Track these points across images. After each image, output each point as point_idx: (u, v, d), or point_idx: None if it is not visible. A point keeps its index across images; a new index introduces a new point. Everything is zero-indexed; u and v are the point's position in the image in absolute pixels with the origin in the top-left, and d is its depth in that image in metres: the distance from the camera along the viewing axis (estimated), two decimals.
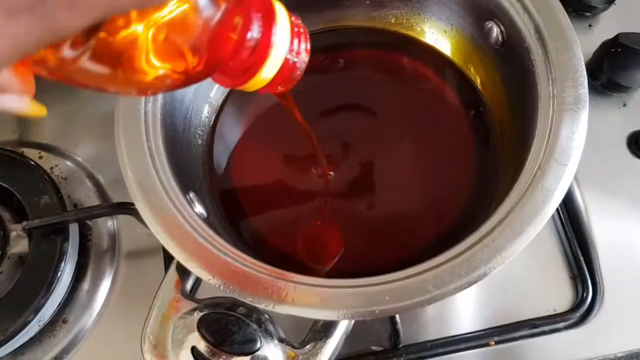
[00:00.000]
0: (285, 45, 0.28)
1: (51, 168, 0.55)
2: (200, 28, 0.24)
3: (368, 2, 0.50)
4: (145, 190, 0.36)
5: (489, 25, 0.43)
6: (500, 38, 0.43)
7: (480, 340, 0.47)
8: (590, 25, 0.57)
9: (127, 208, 0.47)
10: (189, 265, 0.34)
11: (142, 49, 0.23)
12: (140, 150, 0.38)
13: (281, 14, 0.28)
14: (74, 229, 0.50)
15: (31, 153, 0.55)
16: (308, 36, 0.30)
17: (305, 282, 0.33)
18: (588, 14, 0.56)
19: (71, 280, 0.50)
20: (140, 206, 0.36)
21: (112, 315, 0.50)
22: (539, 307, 0.48)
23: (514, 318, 0.47)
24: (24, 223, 0.47)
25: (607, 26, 0.56)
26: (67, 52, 0.21)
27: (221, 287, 0.33)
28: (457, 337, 0.47)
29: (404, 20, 0.50)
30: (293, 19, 0.29)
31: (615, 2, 0.56)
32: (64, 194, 0.51)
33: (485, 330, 0.47)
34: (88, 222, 0.53)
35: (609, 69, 0.52)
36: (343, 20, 0.51)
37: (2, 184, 0.50)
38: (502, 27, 0.42)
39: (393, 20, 0.51)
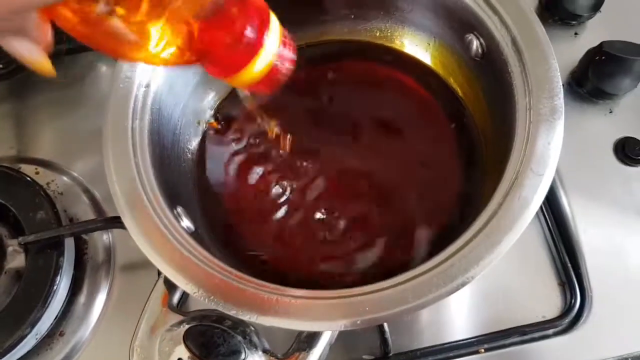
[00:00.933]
0: (273, 49, 0.31)
1: (47, 183, 0.56)
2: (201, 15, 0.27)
3: (352, 17, 0.51)
4: (131, 206, 0.37)
5: (469, 37, 0.44)
6: (480, 50, 0.43)
7: (470, 348, 0.47)
8: (576, 34, 0.57)
9: (121, 222, 0.48)
10: (174, 279, 0.35)
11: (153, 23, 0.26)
12: (127, 166, 0.39)
13: (274, 22, 0.31)
14: (69, 243, 0.51)
15: (28, 169, 0.56)
16: (295, 48, 0.33)
17: (288, 294, 0.34)
18: (574, 22, 0.57)
19: (67, 294, 0.50)
20: (127, 221, 0.37)
21: (108, 328, 0.51)
22: (529, 314, 0.48)
23: (504, 325, 0.48)
24: (20, 238, 0.48)
25: (593, 34, 0.57)
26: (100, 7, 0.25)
27: (206, 300, 0.34)
28: (447, 344, 0.47)
29: (388, 34, 0.51)
30: (284, 31, 0.32)
31: (600, 10, 0.56)
32: (60, 208, 0.52)
33: (476, 337, 0.47)
34: (84, 236, 0.53)
35: (595, 77, 0.52)
36: (329, 35, 0.52)
37: None
38: (481, 39, 0.43)
39: (378, 34, 0.52)
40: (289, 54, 0.32)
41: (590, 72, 0.52)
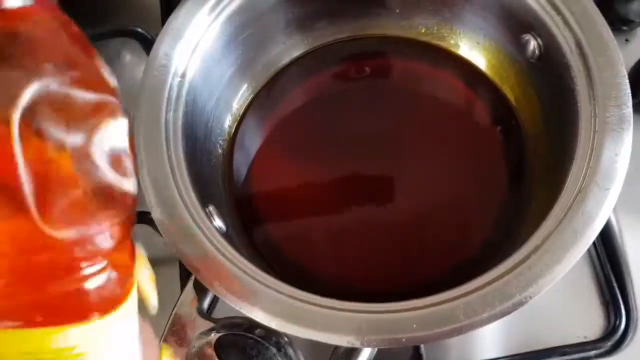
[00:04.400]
0: None
1: None
2: None
3: (398, 11, 0.48)
4: (163, 202, 0.35)
5: (526, 38, 0.41)
6: (537, 52, 0.41)
7: None
8: (627, 40, 0.55)
9: (144, 218, 0.46)
10: (206, 282, 0.33)
11: None
12: (160, 161, 0.37)
13: None
14: None
15: None
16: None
17: (327, 305, 0.32)
18: (625, 27, 0.54)
19: None
20: (158, 218, 0.35)
21: None
22: (569, 334, 0.45)
23: (542, 345, 0.45)
24: None
25: None
26: None
27: (240, 307, 0.32)
28: None
29: (435, 31, 0.49)
30: None
31: None
32: None
33: (511, 356, 0.45)
34: None
35: None
36: (372, 29, 0.50)
37: None
38: (539, 40, 0.40)
39: (423, 31, 0.49)
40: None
41: None
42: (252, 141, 0.48)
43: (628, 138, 0.34)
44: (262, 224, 0.45)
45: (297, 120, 0.49)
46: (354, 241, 0.44)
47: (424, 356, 0.43)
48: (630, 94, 0.34)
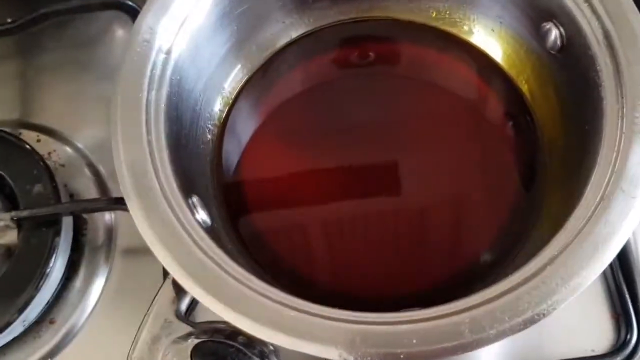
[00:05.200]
0: None
1: (49, 153, 0.51)
2: None
3: None
4: (140, 191, 0.32)
5: (547, 26, 0.38)
6: (559, 42, 0.38)
7: None
8: None
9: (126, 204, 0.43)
10: (184, 282, 0.30)
11: None
12: (138, 144, 0.34)
13: None
14: (67, 222, 0.46)
15: (29, 136, 0.52)
16: None
17: (318, 313, 0.29)
18: None
19: (62, 278, 0.46)
20: (134, 210, 0.32)
21: (105, 317, 0.46)
22: (576, 347, 0.43)
23: (547, 357, 0.43)
24: (13, 213, 0.44)
25: None
26: None
27: (221, 311, 0.29)
28: None
29: (447, 15, 0.46)
30: None
31: None
32: (61, 182, 0.48)
33: None
34: (84, 215, 0.49)
35: None
36: (378, 11, 0.47)
37: None
38: (562, 29, 0.37)
39: (434, 15, 0.46)
40: None
41: None
42: (245, 127, 0.46)
43: None
44: (252, 218, 0.43)
45: (294, 107, 0.46)
46: (353, 241, 0.42)
47: None
48: None
